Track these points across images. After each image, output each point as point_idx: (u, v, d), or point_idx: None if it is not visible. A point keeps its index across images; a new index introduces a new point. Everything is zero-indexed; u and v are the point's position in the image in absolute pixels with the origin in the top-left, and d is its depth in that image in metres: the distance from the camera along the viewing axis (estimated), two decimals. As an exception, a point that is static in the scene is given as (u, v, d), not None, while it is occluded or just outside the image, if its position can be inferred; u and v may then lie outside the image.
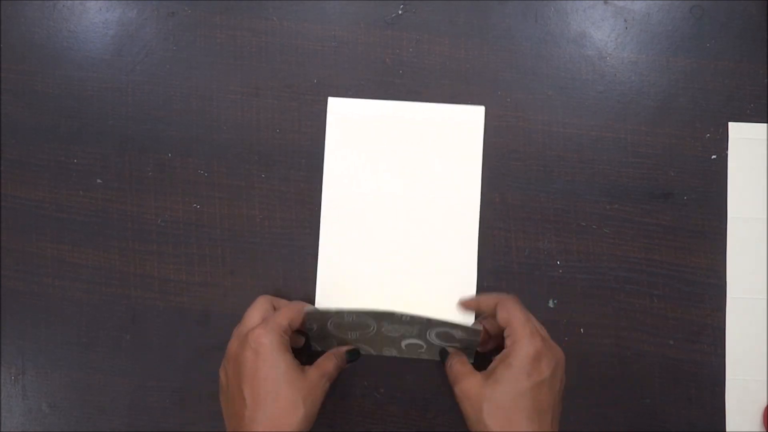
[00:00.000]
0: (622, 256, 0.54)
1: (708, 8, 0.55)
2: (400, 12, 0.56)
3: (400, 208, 0.54)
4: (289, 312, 0.48)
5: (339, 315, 0.49)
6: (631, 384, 0.54)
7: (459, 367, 0.48)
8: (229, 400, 0.46)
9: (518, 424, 0.43)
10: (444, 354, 0.51)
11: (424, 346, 0.52)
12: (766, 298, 0.54)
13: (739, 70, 0.55)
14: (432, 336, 0.51)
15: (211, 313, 0.55)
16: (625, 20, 0.56)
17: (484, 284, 0.54)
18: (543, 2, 0.56)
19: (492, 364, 0.47)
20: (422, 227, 0.54)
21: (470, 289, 0.54)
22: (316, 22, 0.56)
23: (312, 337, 0.53)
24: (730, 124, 0.55)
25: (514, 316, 0.47)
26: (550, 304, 0.54)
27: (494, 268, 0.54)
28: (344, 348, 0.52)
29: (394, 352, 0.54)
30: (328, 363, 0.49)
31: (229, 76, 0.56)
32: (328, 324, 0.50)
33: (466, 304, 0.53)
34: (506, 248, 0.54)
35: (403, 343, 0.52)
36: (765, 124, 0.55)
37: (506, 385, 0.45)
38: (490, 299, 0.51)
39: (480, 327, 0.49)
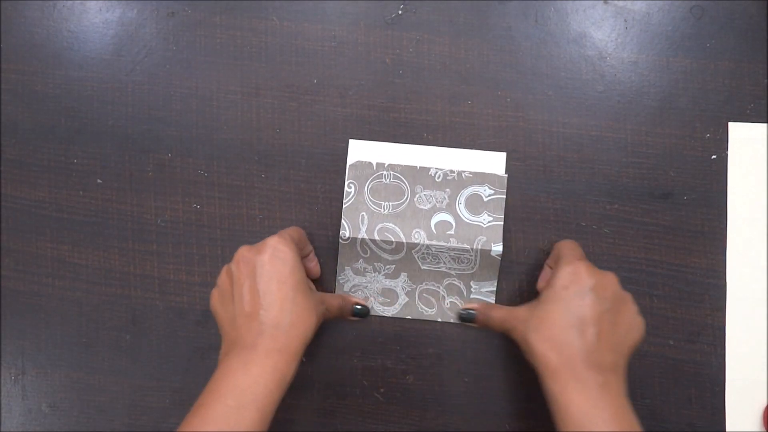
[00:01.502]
0: (622, 256, 0.54)
1: (708, 8, 0.55)
2: (400, 12, 0.56)
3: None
4: (297, 232, 0.50)
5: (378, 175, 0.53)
6: (631, 384, 0.54)
7: (498, 311, 0.50)
8: (236, 302, 0.45)
9: (557, 333, 0.44)
10: (466, 317, 0.52)
11: (453, 225, 0.53)
12: (766, 298, 0.54)
13: (739, 70, 0.55)
14: (461, 205, 0.53)
15: (211, 313, 0.55)
16: (625, 20, 0.56)
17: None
18: (543, 2, 0.56)
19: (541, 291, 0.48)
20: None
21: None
22: (316, 22, 0.56)
23: (341, 251, 0.54)
24: (730, 124, 0.55)
25: (563, 247, 0.49)
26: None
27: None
28: (354, 299, 0.53)
29: (418, 263, 0.54)
30: (332, 299, 0.50)
31: (229, 76, 0.56)
32: (366, 190, 0.53)
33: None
34: (506, 248, 0.54)
35: (433, 221, 0.53)
36: (765, 124, 0.55)
37: (545, 301, 0.46)
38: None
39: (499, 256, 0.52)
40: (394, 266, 0.54)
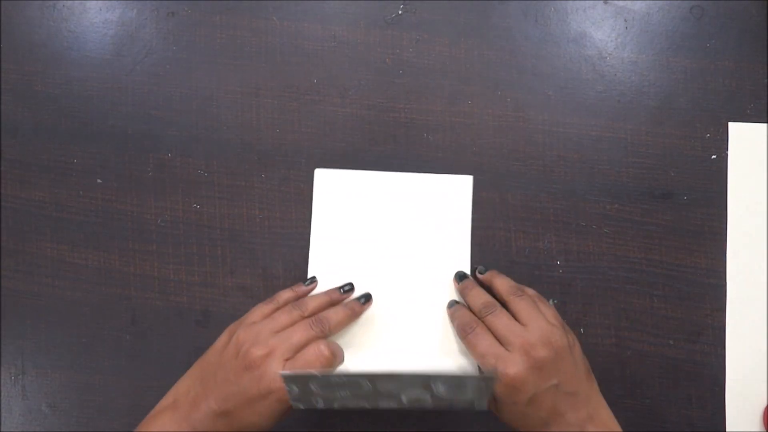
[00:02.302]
0: (622, 256, 0.54)
1: (708, 8, 0.55)
2: (400, 12, 0.56)
3: (388, 273, 0.54)
4: (321, 361, 0.47)
5: (325, 378, 0.42)
6: (631, 384, 0.54)
7: (485, 340, 0.48)
8: (218, 374, 0.46)
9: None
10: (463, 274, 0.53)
11: (430, 399, 0.44)
12: (766, 298, 0.54)
13: (739, 70, 0.55)
14: (439, 388, 0.43)
15: (211, 313, 0.55)
16: (625, 20, 0.56)
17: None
18: (543, 2, 0.56)
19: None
20: (408, 286, 0.54)
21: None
22: (316, 22, 0.56)
23: (292, 397, 0.44)
24: (730, 124, 0.55)
25: (494, 325, 0.48)
26: (550, 303, 0.54)
27: (494, 267, 0.54)
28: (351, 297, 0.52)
29: (393, 405, 0.44)
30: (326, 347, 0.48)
31: (229, 76, 0.56)
32: (310, 385, 0.43)
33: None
34: (506, 248, 0.54)
35: (404, 397, 0.44)
36: (765, 124, 0.55)
37: (505, 412, 0.47)
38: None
39: (495, 375, 0.45)
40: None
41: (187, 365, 0.55)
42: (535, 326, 0.46)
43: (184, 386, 0.48)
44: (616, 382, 0.54)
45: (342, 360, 0.49)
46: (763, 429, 0.53)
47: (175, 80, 0.56)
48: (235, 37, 0.56)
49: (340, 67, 0.56)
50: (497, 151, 0.55)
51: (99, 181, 0.56)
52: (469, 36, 0.56)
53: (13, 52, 0.57)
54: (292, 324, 0.48)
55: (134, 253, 0.56)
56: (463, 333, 0.49)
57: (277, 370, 0.45)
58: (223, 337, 0.49)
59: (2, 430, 0.55)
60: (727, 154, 0.55)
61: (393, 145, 0.55)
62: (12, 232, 0.56)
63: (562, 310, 0.54)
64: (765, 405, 0.53)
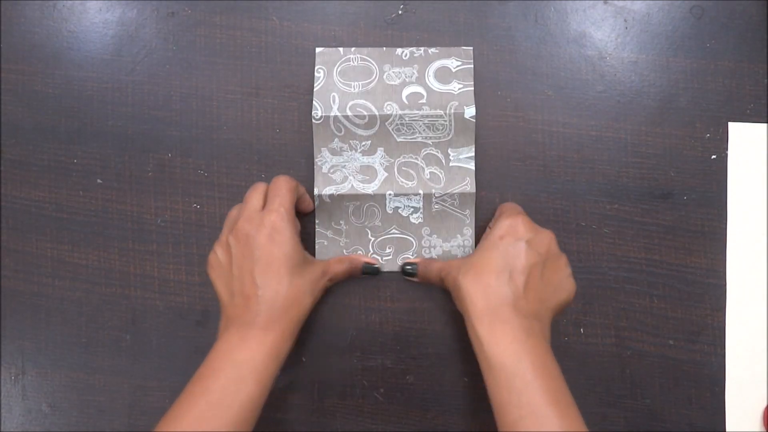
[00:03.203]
0: (622, 256, 0.54)
1: (708, 8, 0.55)
2: (400, 12, 0.56)
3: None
4: (290, 194, 0.49)
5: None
6: (631, 384, 0.54)
7: (436, 263, 0.51)
8: (233, 279, 0.47)
9: (487, 278, 0.45)
10: (410, 271, 0.53)
11: (425, 95, 0.54)
12: (766, 298, 0.54)
13: (739, 70, 0.55)
14: (431, 77, 0.54)
15: (211, 313, 0.55)
16: (625, 20, 0.56)
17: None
18: (543, 2, 0.56)
19: None
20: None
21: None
22: (316, 22, 0.56)
23: (316, 132, 0.55)
24: (730, 124, 0.55)
25: (504, 206, 0.51)
26: (550, 304, 0.54)
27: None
28: (364, 258, 0.54)
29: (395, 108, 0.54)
30: (337, 266, 0.52)
31: (229, 76, 0.56)
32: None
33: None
34: (506, 248, 0.54)
35: (404, 93, 0.54)
36: (765, 124, 0.55)
37: (480, 249, 0.47)
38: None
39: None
40: (369, 142, 0.54)
41: (187, 365, 0.55)
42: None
43: (227, 309, 0.48)
44: (616, 382, 0.54)
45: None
46: (763, 429, 0.53)
47: (175, 80, 0.56)
48: (235, 37, 0.56)
49: (340, 67, 0.56)
50: (497, 151, 0.55)
51: (99, 181, 0.56)
52: (469, 36, 0.56)
53: (13, 52, 0.57)
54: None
55: (134, 253, 0.56)
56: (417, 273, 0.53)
57: (264, 216, 0.47)
58: (212, 256, 0.49)
59: (2, 430, 0.55)
60: (727, 154, 0.55)
61: (393, 145, 0.55)
62: (12, 232, 0.56)
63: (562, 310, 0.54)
64: (765, 405, 0.53)
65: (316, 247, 0.55)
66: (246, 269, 0.46)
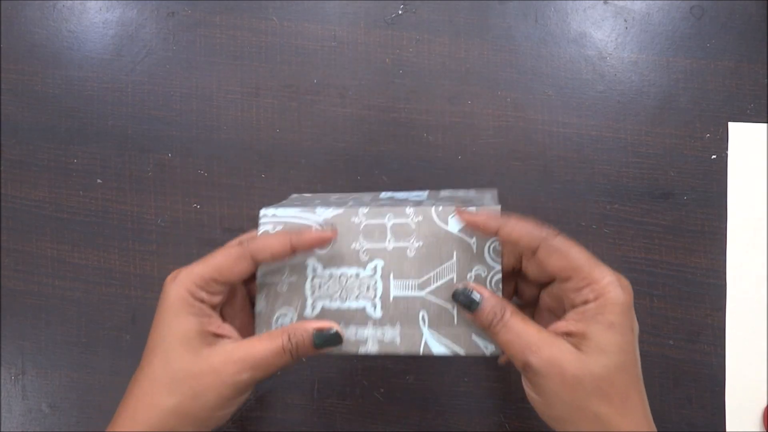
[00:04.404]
0: (622, 256, 0.54)
1: (708, 8, 0.55)
2: (400, 12, 0.56)
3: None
4: (221, 258, 0.36)
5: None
6: (631, 384, 0.54)
7: (521, 324, 0.33)
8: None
9: (634, 401, 0.32)
10: (465, 297, 0.35)
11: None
12: (766, 298, 0.54)
13: (739, 70, 0.55)
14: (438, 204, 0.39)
15: (211, 313, 0.55)
16: (625, 20, 0.56)
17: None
18: (543, 2, 0.56)
19: (565, 324, 0.33)
20: None
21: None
22: (316, 22, 0.56)
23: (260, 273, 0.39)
24: (730, 124, 0.55)
25: (577, 258, 0.34)
26: (550, 304, 0.54)
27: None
28: (312, 325, 0.35)
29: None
30: (258, 345, 0.34)
31: (229, 76, 0.56)
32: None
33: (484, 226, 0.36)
34: (506, 248, 0.54)
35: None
36: (765, 124, 0.55)
37: (617, 354, 0.32)
38: (525, 231, 0.35)
39: (498, 205, 0.37)
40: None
41: (187, 365, 0.55)
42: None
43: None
44: (616, 382, 0.54)
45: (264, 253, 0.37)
46: (763, 429, 0.53)
47: (175, 80, 0.56)
48: (235, 37, 0.56)
49: (340, 67, 0.56)
50: (497, 151, 0.55)
51: (99, 181, 0.56)
52: (469, 36, 0.56)
53: (13, 52, 0.57)
54: None
55: (134, 253, 0.56)
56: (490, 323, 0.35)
57: (170, 277, 0.36)
58: None
59: (2, 430, 0.55)
60: (727, 154, 0.55)
61: (393, 145, 0.55)
62: (12, 232, 0.56)
63: (562, 310, 0.54)
64: (765, 405, 0.53)
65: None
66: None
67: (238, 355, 0.33)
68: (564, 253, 0.35)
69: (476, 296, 0.34)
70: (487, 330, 0.35)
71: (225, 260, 0.35)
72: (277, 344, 0.34)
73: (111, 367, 0.55)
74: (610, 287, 0.33)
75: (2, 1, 0.57)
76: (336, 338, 0.36)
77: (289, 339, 0.34)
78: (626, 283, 0.35)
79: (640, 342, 0.54)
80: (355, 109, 0.56)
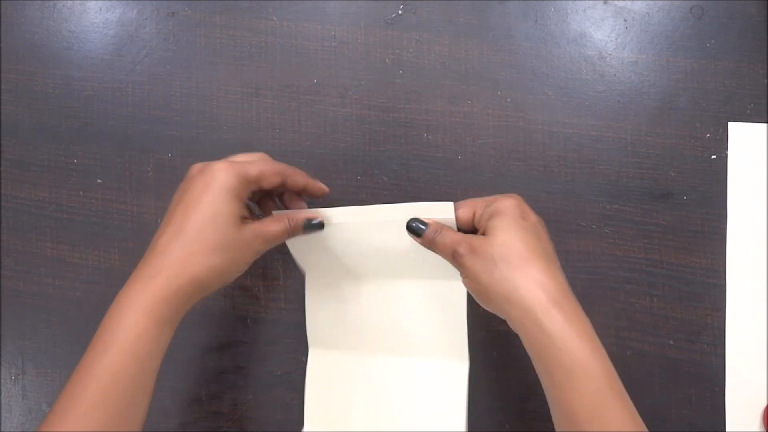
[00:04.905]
0: (622, 256, 0.54)
1: (708, 8, 0.55)
2: (400, 12, 0.56)
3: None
4: (266, 166, 0.45)
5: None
6: (631, 384, 0.54)
7: (452, 232, 0.44)
8: (165, 217, 0.44)
9: (538, 264, 0.41)
10: (415, 226, 0.46)
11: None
12: (766, 298, 0.54)
13: (739, 70, 0.55)
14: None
15: (211, 313, 0.55)
16: (625, 20, 0.56)
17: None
18: (543, 2, 0.56)
19: (479, 233, 0.44)
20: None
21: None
22: (316, 22, 0.56)
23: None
24: (730, 124, 0.55)
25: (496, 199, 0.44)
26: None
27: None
28: (303, 214, 0.47)
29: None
30: (273, 226, 0.45)
31: (229, 76, 0.56)
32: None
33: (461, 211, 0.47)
34: (506, 248, 0.54)
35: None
36: (765, 124, 0.55)
37: (508, 229, 0.42)
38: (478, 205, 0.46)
39: (451, 203, 0.46)
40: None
41: (188, 365, 0.55)
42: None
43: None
44: (616, 382, 0.54)
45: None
46: (763, 429, 0.53)
47: (175, 80, 0.56)
48: (235, 37, 0.56)
49: (340, 67, 0.56)
50: (497, 151, 0.55)
51: (99, 181, 0.56)
52: (469, 36, 0.56)
53: (13, 52, 0.57)
54: None
55: (134, 253, 0.56)
56: (427, 239, 0.46)
57: (215, 163, 0.44)
58: None
59: (2, 430, 0.55)
60: (727, 154, 0.55)
61: (393, 145, 0.55)
62: (12, 232, 0.56)
63: (562, 310, 0.54)
64: (765, 405, 0.53)
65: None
66: (171, 210, 0.43)
67: (260, 232, 0.45)
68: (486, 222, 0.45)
69: (423, 224, 0.46)
70: (430, 246, 0.46)
71: (266, 170, 0.45)
72: (283, 225, 0.46)
73: (111, 367, 0.55)
74: (499, 199, 0.44)
75: (2, 1, 0.57)
76: (319, 226, 0.48)
77: (288, 222, 0.46)
78: (514, 195, 0.45)
79: (640, 342, 0.54)
80: (355, 109, 0.56)
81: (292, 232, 0.47)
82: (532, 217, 0.44)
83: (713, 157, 0.55)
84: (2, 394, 0.56)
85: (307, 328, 0.52)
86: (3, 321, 0.56)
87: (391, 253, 0.49)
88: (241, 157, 0.46)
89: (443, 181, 0.55)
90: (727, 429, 0.53)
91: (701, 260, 0.54)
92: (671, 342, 0.54)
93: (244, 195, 0.44)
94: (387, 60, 0.56)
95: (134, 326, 0.40)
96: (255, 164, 0.45)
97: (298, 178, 0.47)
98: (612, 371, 0.40)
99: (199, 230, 0.42)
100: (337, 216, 0.48)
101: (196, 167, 0.45)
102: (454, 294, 0.49)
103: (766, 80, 0.55)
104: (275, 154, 0.55)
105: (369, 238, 0.48)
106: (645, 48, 0.55)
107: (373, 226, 0.48)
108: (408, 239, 0.47)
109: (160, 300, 0.41)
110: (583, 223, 0.55)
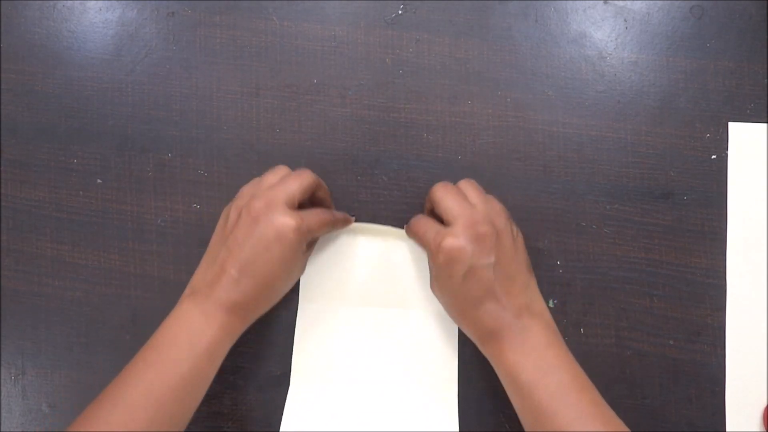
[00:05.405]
0: (622, 256, 0.54)
1: (708, 8, 0.55)
2: (400, 12, 0.56)
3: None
4: (324, 215, 0.49)
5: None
6: (631, 384, 0.54)
7: (424, 219, 0.50)
8: (224, 247, 0.46)
9: (461, 319, 0.48)
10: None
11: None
12: (766, 298, 0.54)
13: (739, 70, 0.55)
14: None
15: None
16: (625, 20, 0.56)
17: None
18: (543, 2, 0.56)
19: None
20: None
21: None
22: (316, 22, 0.56)
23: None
24: (730, 124, 0.55)
25: (442, 204, 0.48)
26: (550, 304, 0.54)
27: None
28: (340, 215, 0.52)
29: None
30: (317, 223, 0.49)
31: (229, 76, 0.56)
32: None
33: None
34: (506, 248, 0.54)
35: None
36: (765, 124, 0.55)
37: (441, 290, 0.48)
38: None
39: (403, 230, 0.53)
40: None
41: (187, 365, 0.55)
42: (481, 207, 0.47)
43: (198, 275, 0.48)
44: (616, 382, 0.54)
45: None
46: (763, 429, 0.53)
47: (175, 80, 0.56)
48: (235, 37, 0.56)
49: (340, 67, 0.56)
50: (497, 151, 0.55)
51: (99, 181, 0.56)
52: (469, 36, 0.56)
53: (13, 52, 0.57)
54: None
55: (134, 253, 0.56)
56: (408, 226, 0.52)
57: (282, 214, 0.45)
58: (220, 220, 0.49)
59: (2, 430, 0.55)
60: (727, 154, 0.55)
61: (393, 145, 0.55)
62: (12, 232, 0.56)
63: (562, 310, 0.54)
64: (765, 405, 0.53)
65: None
66: (241, 247, 0.45)
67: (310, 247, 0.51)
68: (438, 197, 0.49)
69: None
70: (410, 236, 0.52)
71: (325, 219, 0.49)
72: (326, 221, 0.50)
73: (111, 367, 0.55)
74: (438, 249, 0.46)
75: (2, 1, 0.57)
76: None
77: (332, 218, 0.51)
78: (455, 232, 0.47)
79: (640, 342, 0.54)
80: (355, 109, 0.56)
81: (336, 224, 0.52)
82: (468, 255, 0.45)
83: (713, 157, 0.55)
84: (2, 394, 0.56)
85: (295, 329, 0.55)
86: (3, 321, 0.56)
87: (384, 272, 0.54)
88: (293, 183, 0.47)
89: (443, 181, 0.55)
90: (727, 429, 0.53)
91: (701, 260, 0.54)
92: (671, 342, 0.54)
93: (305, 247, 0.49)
94: (387, 60, 0.56)
95: (210, 334, 0.45)
96: (316, 218, 0.48)
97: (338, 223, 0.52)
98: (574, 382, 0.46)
99: (272, 281, 0.47)
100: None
101: (258, 207, 0.46)
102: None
103: (766, 80, 0.55)
104: (275, 154, 0.55)
105: (364, 253, 0.54)
106: (645, 48, 0.55)
107: (368, 241, 0.54)
108: (398, 259, 0.54)
109: (234, 321, 0.46)
110: (583, 223, 0.55)
